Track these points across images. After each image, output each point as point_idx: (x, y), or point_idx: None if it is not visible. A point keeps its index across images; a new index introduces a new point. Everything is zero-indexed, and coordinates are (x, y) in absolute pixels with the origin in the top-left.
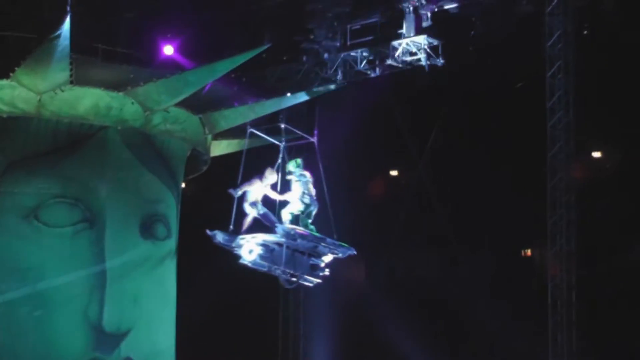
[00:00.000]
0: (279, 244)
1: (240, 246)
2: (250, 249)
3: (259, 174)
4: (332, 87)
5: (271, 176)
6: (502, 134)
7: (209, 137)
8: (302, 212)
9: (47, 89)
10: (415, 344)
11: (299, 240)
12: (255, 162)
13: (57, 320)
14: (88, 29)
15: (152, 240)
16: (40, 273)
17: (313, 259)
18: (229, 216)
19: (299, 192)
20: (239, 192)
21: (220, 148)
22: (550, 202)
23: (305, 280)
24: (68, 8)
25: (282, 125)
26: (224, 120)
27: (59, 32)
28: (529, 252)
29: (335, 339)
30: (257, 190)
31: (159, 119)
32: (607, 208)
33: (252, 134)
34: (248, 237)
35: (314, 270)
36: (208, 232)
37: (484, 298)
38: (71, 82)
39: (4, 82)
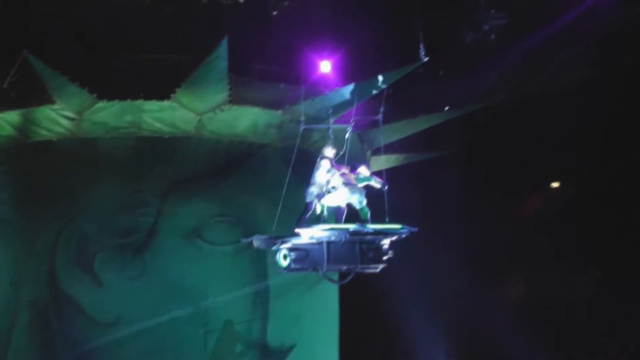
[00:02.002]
0: (318, 243)
1: (276, 252)
2: (284, 254)
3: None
4: (490, 102)
5: (330, 152)
6: None
7: (368, 152)
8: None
9: (207, 109)
10: None
11: (333, 238)
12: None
13: (221, 337)
14: (244, 48)
15: None
16: (204, 291)
17: (371, 245)
18: None
19: (338, 182)
20: (314, 197)
21: (379, 163)
22: None
23: (364, 269)
24: (225, 29)
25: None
26: (382, 136)
27: (216, 53)
28: None
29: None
30: (323, 173)
31: (317, 136)
32: None
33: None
34: (279, 242)
35: (373, 256)
36: (243, 239)
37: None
38: (230, 102)
39: (165, 103)
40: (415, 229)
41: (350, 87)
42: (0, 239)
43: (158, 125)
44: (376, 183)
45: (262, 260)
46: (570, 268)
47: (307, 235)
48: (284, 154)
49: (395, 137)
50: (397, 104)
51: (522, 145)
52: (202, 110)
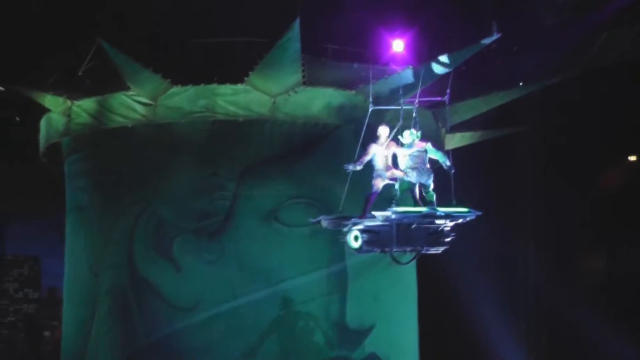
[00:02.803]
0: (388, 225)
1: (346, 233)
2: (355, 235)
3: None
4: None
5: (384, 132)
6: None
7: (443, 131)
8: (414, 184)
9: (281, 91)
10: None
11: (405, 221)
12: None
13: (300, 319)
14: (317, 29)
15: None
16: (282, 273)
17: (437, 227)
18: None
19: (405, 165)
20: (358, 166)
21: (454, 141)
22: None
23: (428, 251)
24: (297, 11)
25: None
26: (457, 114)
27: (289, 35)
28: None
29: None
30: (379, 155)
31: (390, 116)
32: None
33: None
34: (351, 223)
35: (437, 237)
36: (311, 220)
37: None
38: (304, 83)
39: (239, 86)
40: (480, 213)
41: (425, 65)
42: (79, 226)
43: (232, 108)
44: (444, 162)
45: (339, 241)
46: None
47: (382, 217)
48: (359, 134)
49: (469, 114)
50: (470, 80)
51: (598, 118)
52: (276, 92)
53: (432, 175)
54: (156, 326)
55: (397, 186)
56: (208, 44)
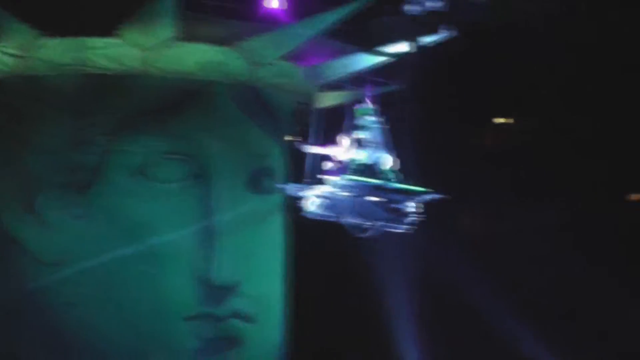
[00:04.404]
0: (347, 195)
1: (303, 197)
2: (311, 201)
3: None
4: (439, 37)
5: (344, 142)
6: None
7: (315, 89)
8: (369, 162)
9: (153, 45)
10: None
11: (357, 191)
12: None
13: (167, 275)
14: None
15: (259, 194)
16: (150, 229)
17: (397, 205)
18: None
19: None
20: (311, 150)
21: (326, 100)
22: None
23: (386, 227)
24: None
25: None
26: (330, 72)
27: None
28: None
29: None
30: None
31: (265, 73)
32: None
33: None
34: (309, 189)
35: (397, 216)
36: (277, 185)
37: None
38: (177, 38)
39: (109, 40)
40: (442, 196)
41: (299, 23)
42: None
43: (103, 61)
44: None
45: (208, 198)
46: (529, 201)
47: (332, 183)
48: (232, 91)
49: (342, 72)
50: (343, 39)
51: (474, 80)
52: (148, 46)
53: (386, 152)
54: (21, 281)
55: (353, 157)
56: None
